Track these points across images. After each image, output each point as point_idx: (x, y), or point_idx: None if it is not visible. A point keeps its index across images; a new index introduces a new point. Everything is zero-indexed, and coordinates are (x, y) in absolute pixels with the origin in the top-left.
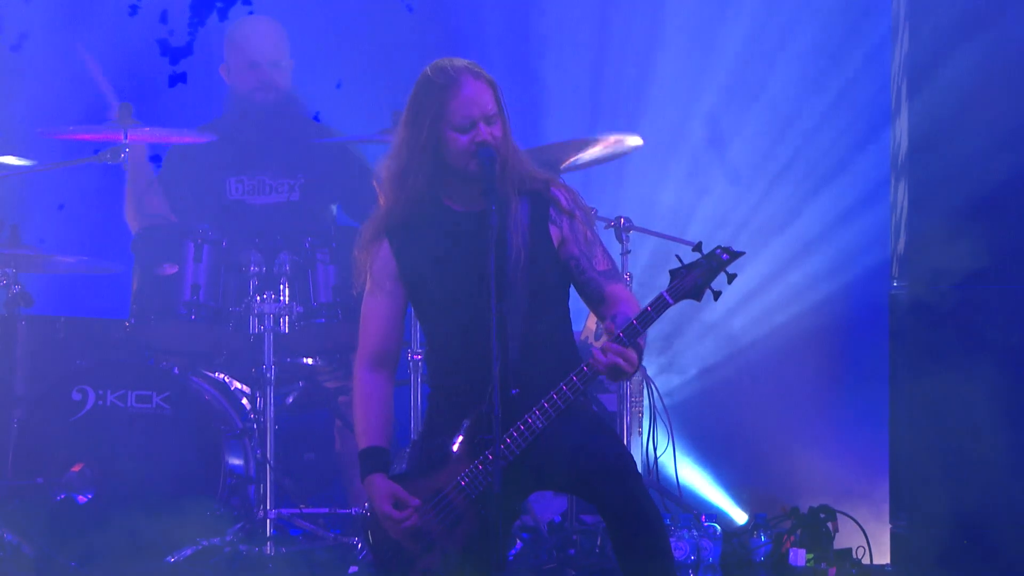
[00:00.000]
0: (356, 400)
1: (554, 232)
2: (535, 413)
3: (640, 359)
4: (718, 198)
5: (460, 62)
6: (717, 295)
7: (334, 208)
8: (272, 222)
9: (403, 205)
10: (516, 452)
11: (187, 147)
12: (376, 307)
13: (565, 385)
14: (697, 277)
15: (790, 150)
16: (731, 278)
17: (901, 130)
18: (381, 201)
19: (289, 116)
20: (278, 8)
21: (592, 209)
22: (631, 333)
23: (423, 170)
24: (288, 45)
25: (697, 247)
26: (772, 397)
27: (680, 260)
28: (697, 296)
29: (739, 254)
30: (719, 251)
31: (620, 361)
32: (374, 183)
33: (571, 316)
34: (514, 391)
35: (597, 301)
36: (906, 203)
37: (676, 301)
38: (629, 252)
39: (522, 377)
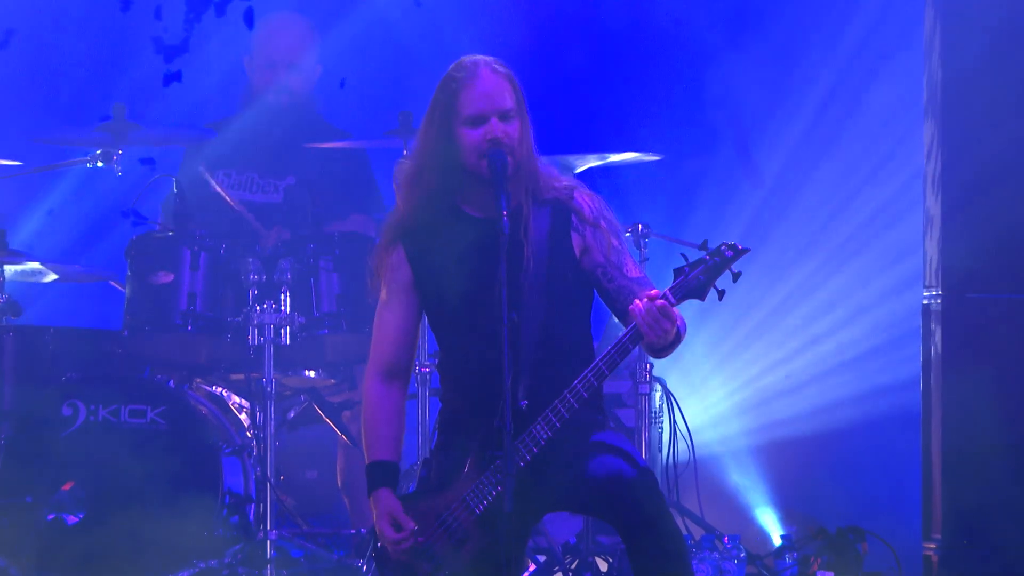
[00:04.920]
0: (365, 412)
1: (576, 240)
2: (539, 424)
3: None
4: (742, 205)
5: (482, 57)
6: (721, 294)
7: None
8: (244, 220)
9: (418, 207)
10: (519, 464)
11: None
12: (389, 316)
13: (569, 393)
14: (700, 275)
15: (819, 158)
16: (736, 276)
17: (933, 139)
18: (398, 203)
19: (302, 122)
20: (279, 2)
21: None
22: (635, 337)
23: (436, 169)
24: (314, 48)
25: (703, 245)
26: (804, 412)
27: (686, 258)
28: (700, 295)
29: (744, 251)
30: (724, 248)
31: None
32: (394, 185)
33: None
34: (523, 403)
35: (627, 311)
36: (939, 212)
37: (679, 301)
38: (647, 260)
39: (533, 389)
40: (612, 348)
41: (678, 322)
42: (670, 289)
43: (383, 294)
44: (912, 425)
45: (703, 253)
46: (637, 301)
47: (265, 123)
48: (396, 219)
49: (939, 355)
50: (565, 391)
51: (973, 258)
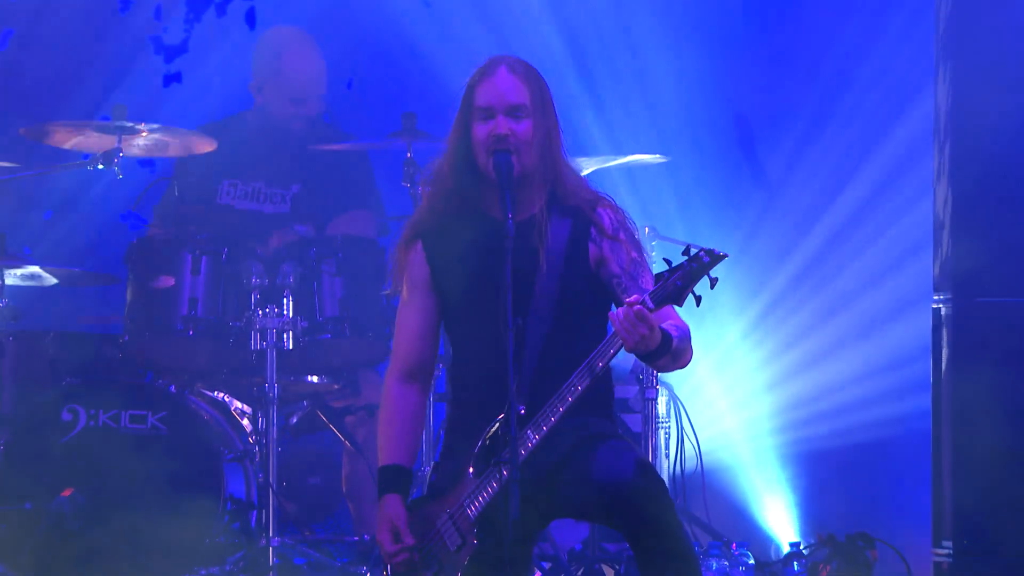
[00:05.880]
0: (382, 414)
1: (592, 251)
2: (528, 429)
3: (658, 354)
4: (748, 205)
5: (507, 57)
6: (699, 300)
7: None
8: (254, 230)
9: (439, 205)
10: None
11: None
12: (409, 314)
13: (557, 398)
14: (678, 280)
15: (826, 160)
16: (713, 283)
17: (942, 142)
18: (422, 200)
19: (309, 131)
20: (285, 3)
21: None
22: (615, 343)
23: (456, 167)
24: (324, 71)
25: (686, 251)
26: (813, 419)
27: (668, 263)
28: (678, 301)
29: (721, 257)
30: (702, 253)
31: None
32: (420, 183)
33: None
34: (521, 409)
35: None
36: (948, 216)
37: (658, 307)
38: (653, 263)
39: (532, 396)
40: (594, 353)
41: (673, 332)
42: (649, 294)
43: (404, 292)
44: (921, 430)
45: (684, 259)
46: (620, 308)
47: (273, 136)
48: (418, 216)
49: (949, 359)
50: (554, 396)
51: (983, 262)
